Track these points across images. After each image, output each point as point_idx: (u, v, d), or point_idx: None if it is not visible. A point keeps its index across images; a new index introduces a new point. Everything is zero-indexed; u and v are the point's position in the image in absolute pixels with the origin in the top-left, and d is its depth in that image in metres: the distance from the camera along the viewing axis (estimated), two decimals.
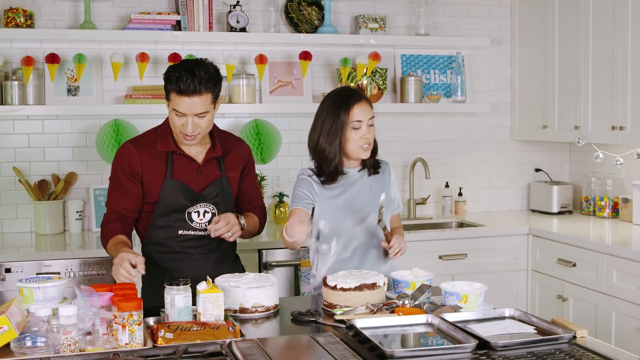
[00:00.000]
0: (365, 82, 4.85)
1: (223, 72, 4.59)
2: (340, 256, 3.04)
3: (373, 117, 3.04)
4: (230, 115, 4.82)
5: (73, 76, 4.54)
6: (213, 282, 2.56)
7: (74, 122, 4.61)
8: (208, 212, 2.99)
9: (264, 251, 4.23)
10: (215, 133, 3.06)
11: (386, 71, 4.95)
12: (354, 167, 3.11)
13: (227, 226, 2.88)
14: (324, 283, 2.70)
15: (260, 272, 4.20)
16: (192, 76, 2.80)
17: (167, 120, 3.01)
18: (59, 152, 4.60)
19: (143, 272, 2.61)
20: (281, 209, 4.84)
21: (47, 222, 4.47)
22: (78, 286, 2.31)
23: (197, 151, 3.01)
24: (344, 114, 2.97)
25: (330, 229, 3.00)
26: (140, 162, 2.94)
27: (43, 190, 4.49)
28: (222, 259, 3.09)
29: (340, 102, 3.00)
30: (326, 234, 3.01)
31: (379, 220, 2.92)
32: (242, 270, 3.21)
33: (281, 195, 4.85)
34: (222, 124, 4.77)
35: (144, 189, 2.97)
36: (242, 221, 2.99)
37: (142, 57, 4.44)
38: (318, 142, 3.03)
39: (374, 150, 3.12)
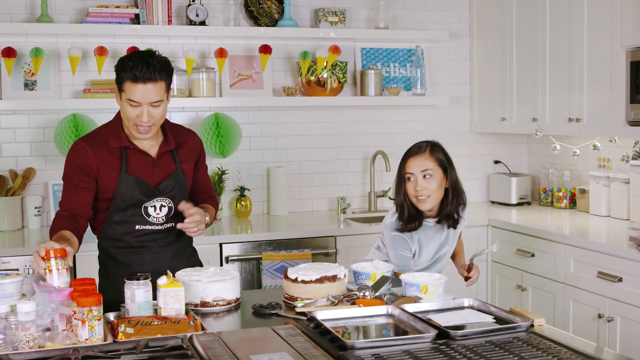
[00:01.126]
0: (325, 75, 4.86)
1: (183, 66, 4.61)
2: None
3: (429, 169, 3.15)
4: (190, 110, 4.80)
5: (30, 70, 4.49)
6: (174, 276, 2.55)
7: (31, 117, 4.56)
8: (164, 206, 2.98)
9: (225, 245, 4.22)
10: (167, 126, 3.06)
11: (346, 64, 4.97)
12: (432, 218, 3.24)
13: (199, 221, 2.90)
14: (285, 276, 2.71)
15: (221, 265, 4.19)
16: (146, 64, 2.81)
17: (117, 116, 2.99)
18: (17, 147, 4.55)
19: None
20: (242, 202, 4.83)
21: (5, 218, 4.41)
22: (37, 282, 2.29)
23: (150, 145, 3.00)
24: (402, 167, 3.21)
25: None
26: (96, 159, 2.91)
27: (0, 186, 4.44)
28: (180, 251, 3.08)
29: (403, 155, 3.24)
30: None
31: (472, 258, 3.26)
32: (199, 263, 3.20)
33: (242, 189, 4.85)
34: (182, 118, 4.75)
35: (99, 186, 2.94)
36: (207, 218, 3.00)
37: (101, 51, 4.40)
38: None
39: (447, 202, 3.20)
